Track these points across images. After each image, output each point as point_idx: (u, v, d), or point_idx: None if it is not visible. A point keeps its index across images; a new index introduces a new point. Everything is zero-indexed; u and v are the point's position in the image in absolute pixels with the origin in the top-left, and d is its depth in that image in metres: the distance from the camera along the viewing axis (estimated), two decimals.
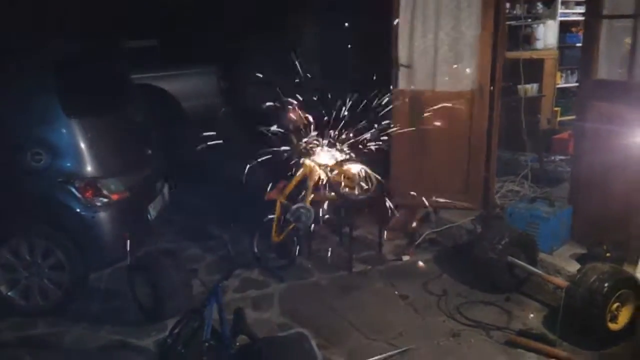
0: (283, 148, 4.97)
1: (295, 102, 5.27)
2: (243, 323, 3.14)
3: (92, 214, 4.01)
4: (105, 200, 4.04)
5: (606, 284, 3.55)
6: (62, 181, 3.96)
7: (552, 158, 6.70)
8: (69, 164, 3.99)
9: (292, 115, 5.22)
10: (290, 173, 4.96)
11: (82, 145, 4.01)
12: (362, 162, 5.26)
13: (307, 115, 5.20)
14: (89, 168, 4.02)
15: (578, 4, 7.96)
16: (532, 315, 4.00)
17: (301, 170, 4.99)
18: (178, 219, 5.73)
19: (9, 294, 4.08)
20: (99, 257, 4.17)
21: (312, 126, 4.95)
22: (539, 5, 7.71)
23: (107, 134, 4.27)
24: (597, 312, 3.53)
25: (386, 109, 5.13)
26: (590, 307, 3.53)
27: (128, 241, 4.05)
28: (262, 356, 2.84)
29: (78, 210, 3.98)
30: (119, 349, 3.74)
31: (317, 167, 5.00)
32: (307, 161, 4.99)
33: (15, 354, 3.69)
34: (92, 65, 4.62)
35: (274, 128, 5.12)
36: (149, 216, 4.56)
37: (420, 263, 4.41)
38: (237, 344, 3.04)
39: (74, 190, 3.96)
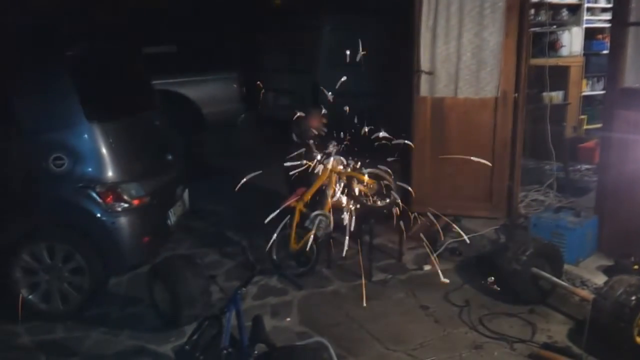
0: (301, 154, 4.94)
1: (316, 109, 5.25)
2: (261, 331, 3.11)
3: (113, 219, 4.02)
4: (125, 205, 4.05)
5: (634, 297, 3.45)
6: (83, 186, 3.98)
7: (578, 167, 6.58)
8: (90, 169, 4.01)
9: (312, 122, 5.19)
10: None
11: (104, 150, 4.03)
12: (382, 170, 5.21)
13: (326, 121, 5.19)
14: (110, 173, 4.04)
15: (604, 10, 7.82)
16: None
17: (320, 177, 4.96)
18: (197, 225, 5.73)
19: (29, 297, 4.11)
20: (119, 262, 4.18)
21: (332, 133, 4.92)
22: (564, 12, 7.59)
23: (128, 139, 4.29)
24: (624, 325, 3.43)
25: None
26: (617, 321, 3.43)
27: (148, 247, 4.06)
28: None
29: (99, 215, 4.00)
30: (137, 354, 3.73)
31: (336, 174, 4.96)
32: (327, 168, 4.96)
33: (34, 358, 3.70)
34: (114, 70, 4.65)
35: (294, 136, 5.12)
36: (168, 221, 4.57)
37: (443, 279, 4.33)
38: (256, 352, 3.00)
39: (94, 195, 3.97)
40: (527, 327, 3.93)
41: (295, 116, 5.19)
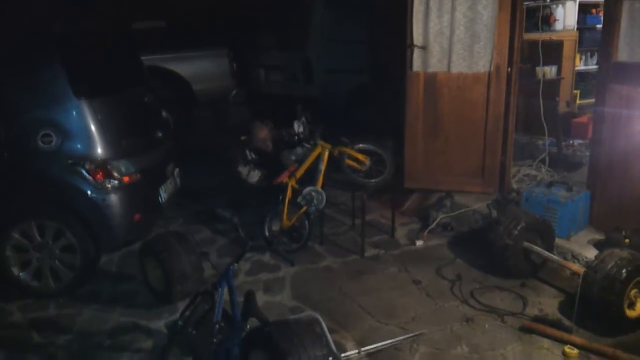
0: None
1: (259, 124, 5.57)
2: (253, 306, 3.10)
3: (103, 196, 3.99)
4: (115, 182, 4.02)
5: (624, 270, 3.47)
6: (73, 163, 3.94)
7: (571, 142, 6.56)
8: (79, 146, 3.97)
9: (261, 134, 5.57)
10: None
11: (92, 127, 3.98)
12: (375, 145, 5.20)
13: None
14: (99, 150, 4.00)
15: None
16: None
17: (312, 153, 4.94)
18: (189, 202, 5.71)
19: (20, 275, 4.10)
20: (110, 239, 4.15)
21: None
22: None
23: (117, 115, 4.24)
24: (615, 298, 3.45)
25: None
26: (608, 294, 3.46)
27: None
28: (272, 339, 2.80)
29: (88, 192, 3.97)
30: (130, 330, 3.73)
31: (329, 150, 4.95)
32: (319, 143, 4.94)
33: (26, 336, 3.70)
34: (102, 46, 4.58)
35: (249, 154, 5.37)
36: (160, 199, 4.54)
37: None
38: (248, 326, 3.01)
39: (84, 172, 3.94)
40: (518, 300, 3.96)
41: (242, 138, 5.56)
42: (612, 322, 3.52)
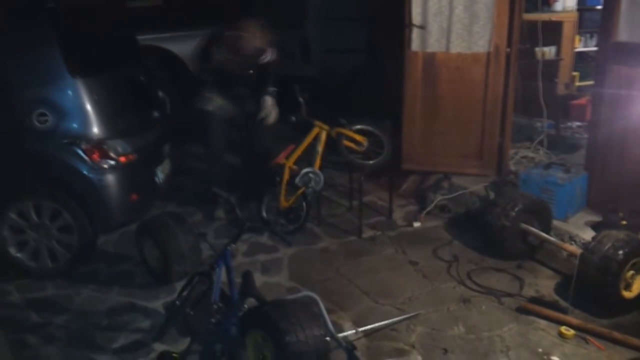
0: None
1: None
2: (251, 286, 3.11)
3: (99, 176, 3.96)
4: (112, 162, 3.99)
5: (621, 252, 3.48)
6: (68, 143, 3.91)
7: (569, 124, 6.55)
8: (74, 125, 3.93)
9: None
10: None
11: (88, 106, 3.94)
12: (373, 126, 5.18)
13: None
14: (95, 129, 3.96)
15: None
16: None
17: (310, 134, 4.92)
18: (187, 183, 5.69)
19: (17, 255, 4.09)
20: (107, 219, 4.14)
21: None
22: None
23: (113, 95, 4.20)
24: (611, 279, 3.46)
25: None
26: (605, 275, 3.47)
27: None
28: (270, 318, 2.81)
29: (85, 172, 3.93)
30: (128, 311, 3.74)
31: (326, 131, 4.92)
32: (317, 124, 4.91)
33: (24, 316, 3.70)
34: (97, 24, 4.52)
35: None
36: (156, 179, 4.52)
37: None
38: (245, 306, 3.02)
39: (80, 152, 3.91)
40: (515, 281, 3.97)
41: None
42: (608, 303, 3.54)
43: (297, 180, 4.72)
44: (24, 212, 4.05)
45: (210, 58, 4.71)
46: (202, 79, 4.84)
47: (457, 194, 5.14)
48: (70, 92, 3.93)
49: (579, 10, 7.39)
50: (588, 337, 3.31)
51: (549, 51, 6.58)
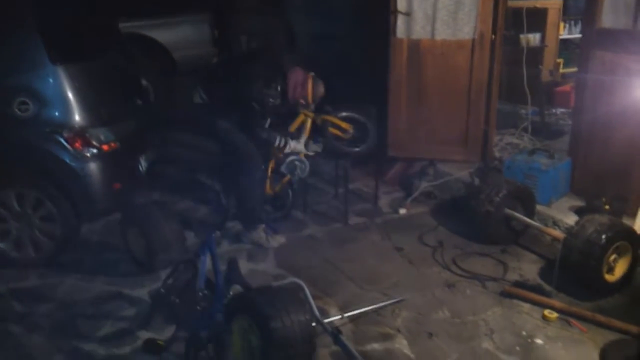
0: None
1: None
2: (236, 273, 3.11)
3: (82, 164, 3.92)
4: (94, 150, 3.95)
5: (604, 236, 3.51)
6: (50, 131, 3.86)
7: (554, 111, 6.59)
8: (56, 114, 3.89)
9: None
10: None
11: (70, 94, 3.89)
12: (359, 113, 5.17)
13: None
14: (77, 118, 3.92)
15: None
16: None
17: (295, 121, 4.90)
18: (170, 171, 5.64)
19: (0, 245, 4.04)
20: (90, 208, 4.10)
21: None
22: None
23: (95, 83, 4.14)
24: (594, 263, 3.50)
25: None
26: (587, 259, 3.50)
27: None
28: (255, 304, 2.81)
29: (67, 161, 3.89)
30: (113, 299, 3.72)
31: (311, 118, 4.90)
32: (302, 111, 4.89)
33: (7, 306, 3.66)
34: (78, 12, 4.45)
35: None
36: (140, 167, 4.48)
37: None
38: (231, 293, 3.01)
39: (62, 140, 3.86)
40: (499, 266, 4.01)
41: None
42: (591, 287, 3.58)
43: (282, 167, 4.70)
44: (5, 202, 3.99)
45: (284, 97, 4.46)
46: (264, 109, 4.42)
47: (442, 180, 5.16)
48: (51, 80, 3.87)
49: None
50: (571, 319, 3.35)
51: (534, 38, 6.61)
